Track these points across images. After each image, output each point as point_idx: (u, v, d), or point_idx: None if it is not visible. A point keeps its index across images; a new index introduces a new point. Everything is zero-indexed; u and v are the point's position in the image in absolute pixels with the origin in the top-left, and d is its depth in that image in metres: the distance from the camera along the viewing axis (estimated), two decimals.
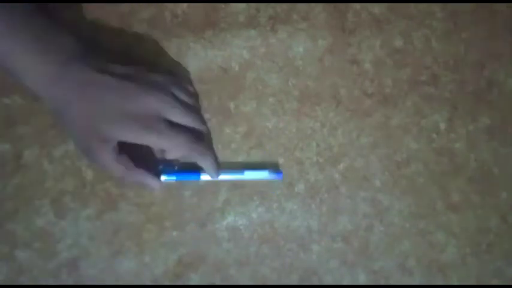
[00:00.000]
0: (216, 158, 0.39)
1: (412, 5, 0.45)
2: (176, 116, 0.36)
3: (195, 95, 0.41)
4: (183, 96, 0.38)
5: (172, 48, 0.42)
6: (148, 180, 0.38)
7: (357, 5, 0.44)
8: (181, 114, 0.37)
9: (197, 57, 0.42)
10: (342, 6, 0.44)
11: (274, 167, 0.41)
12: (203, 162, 0.38)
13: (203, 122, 0.40)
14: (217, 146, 0.42)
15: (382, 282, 0.42)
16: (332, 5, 0.44)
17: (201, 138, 0.38)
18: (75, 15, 0.41)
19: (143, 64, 0.38)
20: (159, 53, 0.42)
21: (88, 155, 0.36)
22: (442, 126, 0.44)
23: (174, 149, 0.36)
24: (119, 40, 0.41)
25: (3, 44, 0.33)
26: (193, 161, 0.38)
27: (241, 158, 0.42)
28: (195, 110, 0.39)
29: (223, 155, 0.42)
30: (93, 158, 0.35)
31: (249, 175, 0.40)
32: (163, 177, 0.39)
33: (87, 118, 0.34)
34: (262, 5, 0.43)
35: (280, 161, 0.42)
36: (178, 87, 0.38)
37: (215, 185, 0.41)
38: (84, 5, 0.41)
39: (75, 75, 0.34)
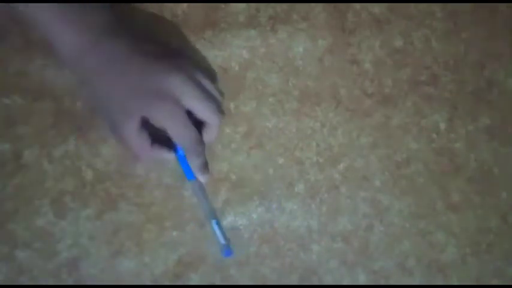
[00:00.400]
0: (207, 163, 0.39)
1: (412, 5, 0.45)
2: (194, 103, 0.36)
3: (216, 84, 0.40)
4: (206, 83, 0.38)
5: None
6: (165, 155, 0.38)
7: (357, 5, 0.44)
8: (199, 103, 0.37)
9: (197, 57, 0.42)
10: (342, 6, 0.44)
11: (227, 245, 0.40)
12: (194, 162, 0.38)
13: (218, 114, 0.38)
14: (217, 146, 0.42)
15: (382, 282, 0.42)
16: (332, 5, 0.44)
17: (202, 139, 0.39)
18: None
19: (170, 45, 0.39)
20: None
21: (111, 127, 0.37)
22: (442, 126, 0.44)
23: (177, 140, 0.37)
24: None
25: (43, 14, 0.34)
26: (187, 156, 0.38)
27: (241, 158, 0.42)
28: (214, 100, 0.38)
29: (223, 155, 0.42)
30: (115, 130, 0.36)
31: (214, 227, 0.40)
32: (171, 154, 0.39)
33: (113, 91, 0.35)
34: (262, 5, 0.43)
35: (280, 161, 0.42)
36: (203, 73, 0.38)
37: (215, 185, 0.41)
38: None
39: (107, 49, 0.35)
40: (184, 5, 0.42)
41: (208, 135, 0.39)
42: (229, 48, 0.43)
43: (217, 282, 0.41)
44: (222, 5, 0.43)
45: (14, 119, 0.40)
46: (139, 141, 0.36)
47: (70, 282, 0.39)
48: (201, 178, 0.39)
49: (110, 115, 0.36)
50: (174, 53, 0.37)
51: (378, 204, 0.42)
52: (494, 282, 0.43)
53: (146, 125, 0.36)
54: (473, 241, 0.43)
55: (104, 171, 0.40)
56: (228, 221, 0.41)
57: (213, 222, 0.40)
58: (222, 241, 0.40)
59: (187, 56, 0.38)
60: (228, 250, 0.40)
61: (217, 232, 0.40)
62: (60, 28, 0.34)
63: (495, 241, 0.43)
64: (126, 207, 0.40)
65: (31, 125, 0.40)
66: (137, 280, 0.40)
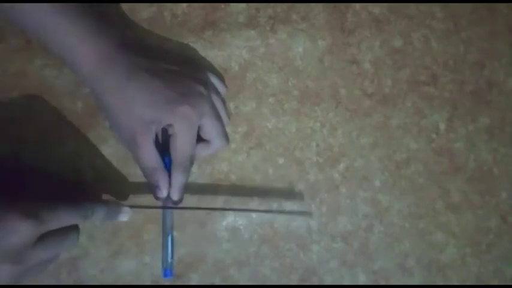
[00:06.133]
0: (185, 186, 0.38)
1: (412, 5, 0.45)
2: (207, 124, 0.37)
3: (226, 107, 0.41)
4: (219, 107, 0.39)
5: (172, 48, 0.42)
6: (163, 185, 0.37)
7: (357, 5, 0.44)
8: (212, 122, 0.37)
9: (197, 57, 0.42)
10: (341, 6, 0.44)
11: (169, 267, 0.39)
12: (177, 177, 0.37)
13: (224, 138, 0.39)
14: None
15: (382, 282, 0.42)
16: (332, 5, 0.44)
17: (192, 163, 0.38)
18: None
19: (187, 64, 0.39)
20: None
21: (128, 142, 0.36)
22: (442, 126, 0.44)
23: (179, 148, 0.36)
24: None
25: (61, 31, 0.34)
26: (173, 169, 0.37)
27: (241, 158, 0.42)
28: (222, 126, 0.39)
29: (223, 155, 0.42)
30: (131, 144, 0.36)
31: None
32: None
33: (134, 102, 0.34)
34: (262, 5, 0.43)
35: (280, 161, 0.42)
36: (218, 97, 0.39)
37: (215, 185, 0.41)
38: None
39: (125, 63, 0.35)
40: (184, 5, 0.42)
41: (200, 151, 0.39)
42: (229, 48, 0.43)
43: (217, 282, 0.41)
44: (222, 5, 0.43)
45: (14, 119, 0.40)
46: (153, 156, 0.36)
47: (70, 282, 0.39)
48: (174, 195, 0.38)
49: (126, 128, 0.35)
50: (190, 71, 0.38)
51: (378, 204, 0.42)
52: (494, 282, 0.43)
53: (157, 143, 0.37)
54: (473, 241, 0.43)
55: (104, 171, 0.40)
56: (228, 221, 0.41)
57: (169, 237, 0.38)
58: (169, 259, 0.38)
59: (204, 76, 0.38)
60: (169, 271, 0.38)
61: (169, 249, 0.38)
62: (81, 40, 0.34)
63: (495, 241, 0.43)
64: None
65: (31, 125, 0.40)
66: (137, 280, 0.40)
